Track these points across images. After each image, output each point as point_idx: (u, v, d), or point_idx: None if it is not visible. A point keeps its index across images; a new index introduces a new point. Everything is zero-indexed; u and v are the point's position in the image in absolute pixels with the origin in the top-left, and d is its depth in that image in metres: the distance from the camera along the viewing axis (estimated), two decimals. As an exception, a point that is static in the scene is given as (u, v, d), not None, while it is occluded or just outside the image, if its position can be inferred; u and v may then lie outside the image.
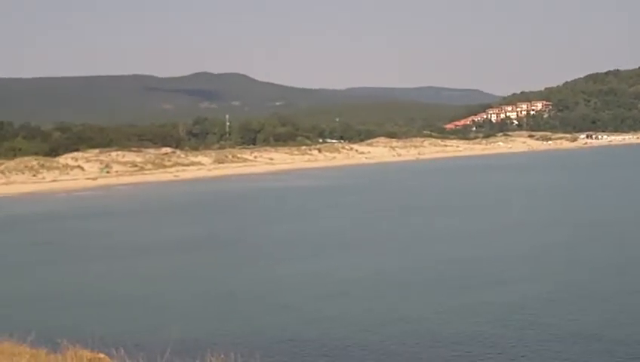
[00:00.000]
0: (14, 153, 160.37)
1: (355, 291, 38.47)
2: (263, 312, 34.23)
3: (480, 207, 79.62)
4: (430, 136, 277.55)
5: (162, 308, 35.93)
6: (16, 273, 46.92)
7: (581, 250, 48.86)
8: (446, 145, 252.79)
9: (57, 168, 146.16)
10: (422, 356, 27.06)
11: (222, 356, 12.58)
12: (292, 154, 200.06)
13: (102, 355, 13.25)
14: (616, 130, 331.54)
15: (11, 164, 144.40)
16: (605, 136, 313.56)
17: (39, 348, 12.45)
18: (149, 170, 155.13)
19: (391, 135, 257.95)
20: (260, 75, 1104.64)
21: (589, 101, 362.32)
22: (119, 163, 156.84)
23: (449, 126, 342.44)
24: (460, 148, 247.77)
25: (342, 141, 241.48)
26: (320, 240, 57.21)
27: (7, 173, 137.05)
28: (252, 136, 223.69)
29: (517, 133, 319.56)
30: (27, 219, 79.87)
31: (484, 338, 28.71)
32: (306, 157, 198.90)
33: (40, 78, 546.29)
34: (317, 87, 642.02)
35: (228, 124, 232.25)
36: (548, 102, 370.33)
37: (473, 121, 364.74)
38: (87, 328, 15.64)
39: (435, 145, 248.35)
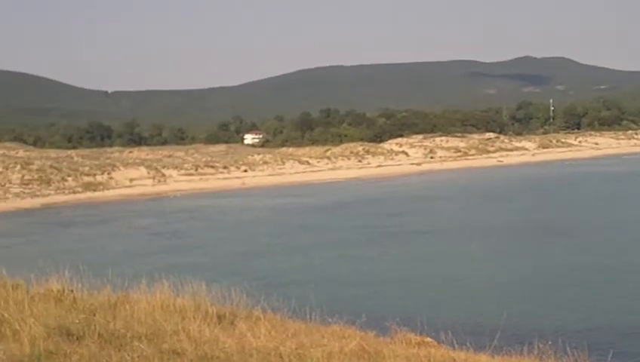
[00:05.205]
0: (340, 139, 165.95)
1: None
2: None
3: None
4: None
5: (493, 292, 35.55)
6: (341, 257, 48.14)
7: None
8: None
9: (382, 154, 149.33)
10: None
11: (549, 343, 12.06)
12: (618, 138, 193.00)
13: (429, 339, 13.03)
14: None
15: (337, 149, 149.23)
16: None
17: (368, 331, 12.40)
18: (473, 155, 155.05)
19: None
20: (584, 58, 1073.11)
21: None
22: (443, 148, 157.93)
23: None
24: None
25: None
26: None
27: (333, 159, 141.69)
28: (576, 121, 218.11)
29: None
30: (352, 203, 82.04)
31: None
32: (633, 141, 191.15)
33: (365, 65, 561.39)
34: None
35: (552, 108, 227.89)
36: None
37: None
38: (416, 311, 15.50)
39: None
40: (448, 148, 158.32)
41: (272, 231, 62.24)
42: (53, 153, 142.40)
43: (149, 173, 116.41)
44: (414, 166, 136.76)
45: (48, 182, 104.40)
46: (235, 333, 10.92)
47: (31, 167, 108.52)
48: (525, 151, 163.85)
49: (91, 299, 12.57)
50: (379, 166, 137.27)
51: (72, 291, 12.80)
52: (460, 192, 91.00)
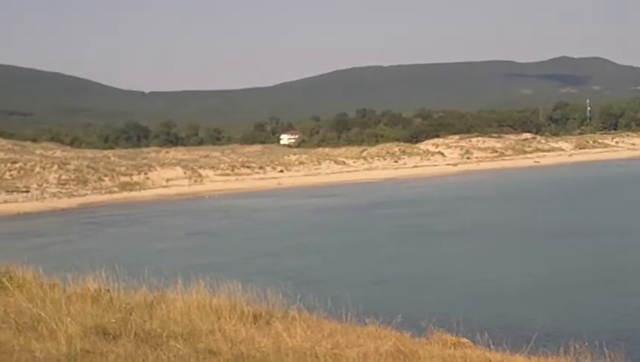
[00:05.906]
0: (376, 139, 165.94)
1: None
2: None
3: None
4: None
5: (526, 292, 35.35)
6: (375, 257, 48.04)
7: None
8: None
9: (418, 154, 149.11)
10: None
11: (586, 344, 12.00)
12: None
13: (465, 340, 13.00)
14: None
15: (373, 150, 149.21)
16: None
17: (404, 332, 12.37)
18: (509, 155, 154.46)
19: None
20: (621, 58, 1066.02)
21: None
22: (479, 149, 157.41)
23: None
24: None
25: None
26: None
27: (369, 159, 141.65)
28: (613, 121, 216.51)
29: None
30: (386, 203, 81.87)
31: None
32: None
33: (401, 65, 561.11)
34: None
35: (588, 108, 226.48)
36: None
37: None
38: (451, 311, 15.43)
39: None
40: (485, 149, 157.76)
41: (307, 230, 62.25)
42: (90, 153, 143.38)
43: (185, 173, 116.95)
44: (450, 166, 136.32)
45: (85, 182, 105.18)
46: (270, 333, 10.95)
47: (68, 167, 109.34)
48: (562, 152, 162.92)
49: (128, 298, 12.65)
50: (415, 166, 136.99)
51: (108, 290, 12.89)
52: (495, 193, 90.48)
